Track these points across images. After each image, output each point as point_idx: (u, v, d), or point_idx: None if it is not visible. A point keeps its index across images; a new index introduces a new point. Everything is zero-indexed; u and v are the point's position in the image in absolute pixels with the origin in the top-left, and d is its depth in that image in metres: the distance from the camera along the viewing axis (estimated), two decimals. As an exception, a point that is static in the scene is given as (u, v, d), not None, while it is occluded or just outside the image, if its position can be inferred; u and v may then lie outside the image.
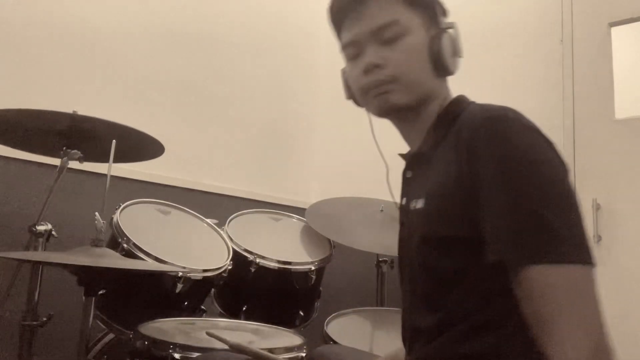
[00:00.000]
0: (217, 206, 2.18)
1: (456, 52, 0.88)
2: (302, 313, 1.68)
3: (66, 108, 1.28)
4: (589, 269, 0.66)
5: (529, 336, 0.67)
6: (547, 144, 0.74)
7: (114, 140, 1.21)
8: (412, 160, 0.93)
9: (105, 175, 1.21)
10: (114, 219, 1.42)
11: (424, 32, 0.86)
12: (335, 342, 1.46)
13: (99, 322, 1.38)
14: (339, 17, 0.92)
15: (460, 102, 0.88)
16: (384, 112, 0.89)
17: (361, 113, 0.97)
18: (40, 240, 1.31)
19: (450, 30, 0.88)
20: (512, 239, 0.68)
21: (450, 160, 0.77)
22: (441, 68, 0.86)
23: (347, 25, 0.90)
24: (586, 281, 0.66)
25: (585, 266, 0.66)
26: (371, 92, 0.87)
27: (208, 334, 0.99)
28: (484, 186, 0.71)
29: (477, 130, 0.74)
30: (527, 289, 0.67)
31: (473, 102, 0.87)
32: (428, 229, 0.81)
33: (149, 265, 1.32)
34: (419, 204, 0.83)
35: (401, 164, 0.97)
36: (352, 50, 0.90)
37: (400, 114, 0.90)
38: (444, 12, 0.92)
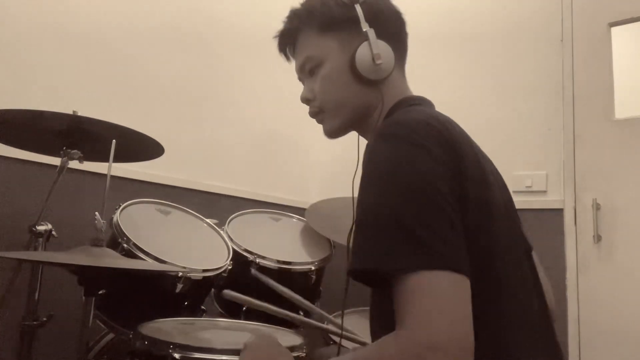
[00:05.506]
0: (217, 206, 2.18)
1: (376, 58, 0.87)
2: (302, 313, 1.68)
3: (66, 108, 1.28)
4: (439, 273, 0.61)
5: None
6: (417, 155, 0.68)
7: (114, 140, 1.21)
8: None
9: (105, 175, 1.21)
10: (114, 219, 1.42)
11: (340, 54, 0.90)
12: (335, 343, 1.46)
13: (99, 322, 1.38)
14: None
15: (392, 112, 0.89)
16: (329, 137, 0.96)
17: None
18: (40, 240, 1.31)
19: (365, 42, 0.87)
20: (354, 252, 0.68)
21: None
22: (365, 80, 0.88)
23: None
24: (439, 286, 0.61)
25: (434, 271, 0.61)
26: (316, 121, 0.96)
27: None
28: None
29: (367, 147, 0.76)
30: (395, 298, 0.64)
31: (399, 110, 0.87)
32: None
33: (149, 265, 1.32)
34: None
35: None
36: (302, 84, 0.98)
37: (343, 133, 0.95)
38: (371, 16, 0.89)
